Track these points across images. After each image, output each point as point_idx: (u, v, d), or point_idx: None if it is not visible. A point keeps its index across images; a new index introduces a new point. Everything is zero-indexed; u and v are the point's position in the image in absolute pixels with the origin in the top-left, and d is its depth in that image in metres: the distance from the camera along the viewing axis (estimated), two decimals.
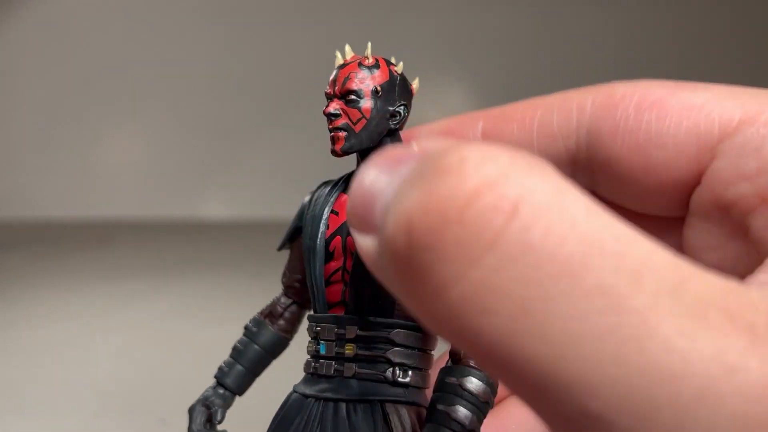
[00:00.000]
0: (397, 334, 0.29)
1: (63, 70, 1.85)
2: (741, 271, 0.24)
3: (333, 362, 0.29)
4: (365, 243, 0.19)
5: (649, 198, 0.28)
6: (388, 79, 0.31)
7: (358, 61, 0.31)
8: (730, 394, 0.14)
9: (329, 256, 0.30)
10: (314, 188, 0.34)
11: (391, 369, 0.28)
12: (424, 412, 0.29)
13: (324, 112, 0.30)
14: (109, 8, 1.86)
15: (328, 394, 0.29)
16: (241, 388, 0.33)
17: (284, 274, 0.34)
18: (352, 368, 0.29)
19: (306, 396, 0.30)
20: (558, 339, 0.15)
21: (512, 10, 1.83)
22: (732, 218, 0.26)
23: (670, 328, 0.15)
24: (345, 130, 0.30)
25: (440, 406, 0.27)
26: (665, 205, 0.28)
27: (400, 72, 0.31)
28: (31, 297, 1.14)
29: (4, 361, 0.87)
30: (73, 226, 1.71)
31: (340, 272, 0.30)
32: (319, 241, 0.30)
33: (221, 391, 0.33)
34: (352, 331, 0.29)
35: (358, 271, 0.29)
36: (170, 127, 1.88)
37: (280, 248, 0.34)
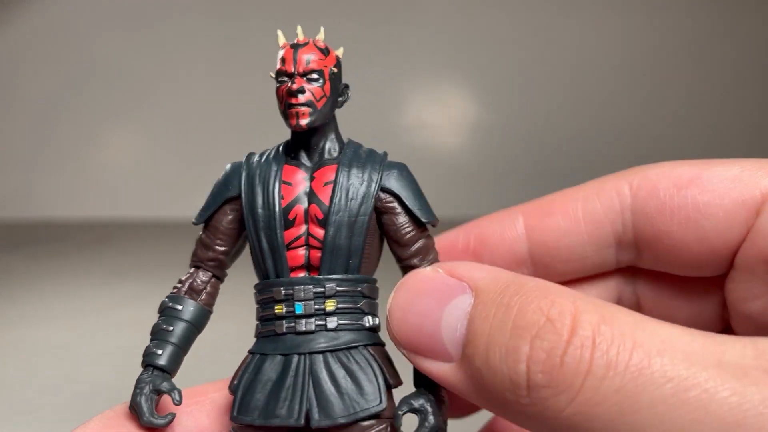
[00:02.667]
0: (366, 288, 0.32)
1: (63, 70, 1.86)
2: None
3: (313, 319, 0.31)
4: (437, 367, 0.27)
5: (699, 263, 0.32)
6: (336, 62, 0.33)
7: (314, 43, 0.33)
8: None
9: (289, 223, 0.32)
10: (232, 162, 0.35)
11: (365, 317, 0.32)
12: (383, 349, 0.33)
13: (289, 89, 0.32)
14: (109, 9, 1.86)
15: (318, 347, 0.31)
16: (174, 368, 0.33)
17: (204, 248, 0.34)
18: (335, 321, 0.31)
19: (285, 354, 0.31)
20: (649, 422, 0.21)
21: (514, 12, 1.84)
22: None
23: (724, 390, 0.21)
24: (309, 107, 0.32)
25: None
26: (713, 266, 0.32)
27: (341, 57, 0.34)
28: (31, 297, 1.14)
29: (4, 361, 0.87)
30: (73, 226, 1.71)
31: (303, 238, 0.32)
32: (278, 209, 0.32)
33: (158, 373, 0.32)
34: (332, 289, 0.31)
35: (333, 237, 0.32)
36: (169, 128, 1.88)
37: (205, 221, 0.34)
